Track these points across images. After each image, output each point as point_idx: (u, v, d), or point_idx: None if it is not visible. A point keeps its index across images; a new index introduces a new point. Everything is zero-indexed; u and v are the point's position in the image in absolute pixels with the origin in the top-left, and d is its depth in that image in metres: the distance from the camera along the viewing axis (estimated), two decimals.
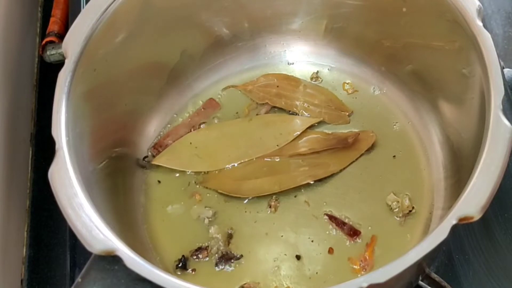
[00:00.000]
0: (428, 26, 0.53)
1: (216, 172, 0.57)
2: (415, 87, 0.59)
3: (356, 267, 0.52)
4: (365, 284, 0.36)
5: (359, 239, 0.53)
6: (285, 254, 0.53)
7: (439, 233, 0.38)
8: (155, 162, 0.58)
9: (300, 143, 0.58)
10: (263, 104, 0.61)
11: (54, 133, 0.44)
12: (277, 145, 0.58)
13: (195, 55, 0.61)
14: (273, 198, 0.55)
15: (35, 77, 0.70)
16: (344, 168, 0.57)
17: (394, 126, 0.59)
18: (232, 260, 0.52)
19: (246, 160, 0.57)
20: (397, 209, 0.54)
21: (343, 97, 0.61)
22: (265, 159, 0.58)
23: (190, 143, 0.59)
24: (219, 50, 0.62)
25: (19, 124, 0.64)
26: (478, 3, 0.48)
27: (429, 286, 0.47)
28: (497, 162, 0.40)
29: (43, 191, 0.61)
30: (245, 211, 0.55)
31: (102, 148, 0.52)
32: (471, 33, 0.47)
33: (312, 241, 0.53)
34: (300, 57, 0.64)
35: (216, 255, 0.53)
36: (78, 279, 0.40)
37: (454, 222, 0.38)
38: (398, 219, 0.54)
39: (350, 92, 0.62)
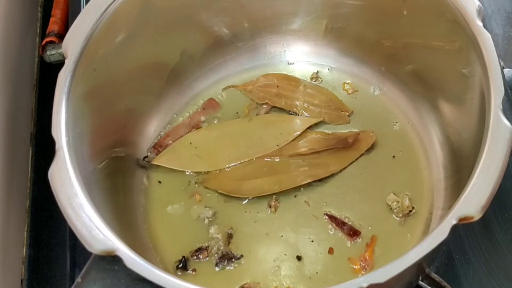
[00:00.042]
0: (428, 26, 0.53)
1: (216, 172, 0.57)
2: (415, 87, 0.59)
3: (356, 267, 0.52)
4: (365, 284, 0.36)
5: (359, 239, 0.53)
6: (285, 254, 0.53)
7: (439, 233, 0.38)
8: (155, 162, 0.58)
9: (300, 143, 0.58)
10: (263, 104, 0.61)
11: (54, 133, 0.44)
12: (277, 145, 0.58)
13: (195, 55, 0.61)
14: (273, 198, 0.55)
15: (35, 77, 0.70)
16: (344, 168, 0.57)
17: (394, 126, 0.59)
18: (232, 260, 0.52)
19: (246, 160, 0.57)
20: (397, 209, 0.54)
21: (343, 97, 0.61)
22: (265, 159, 0.58)
23: (190, 143, 0.59)
24: (219, 50, 0.62)
25: (19, 124, 0.64)
26: (478, 3, 0.48)
27: (429, 286, 0.47)
28: (497, 162, 0.40)
29: (43, 191, 0.61)
30: (245, 211, 0.55)
31: (102, 148, 0.52)
32: (471, 33, 0.47)
33: (312, 241, 0.53)
34: (300, 57, 0.64)
35: (216, 255, 0.53)
36: (78, 279, 0.40)
37: (454, 222, 0.38)
38: (398, 219, 0.54)
39: (350, 92, 0.62)
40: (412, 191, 0.55)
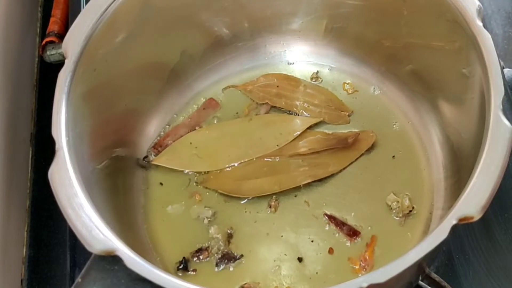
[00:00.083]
0: (428, 26, 0.53)
1: (216, 172, 0.57)
2: (415, 87, 0.59)
3: (356, 267, 0.52)
4: (365, 284, 0.36)
5: (358, 239, 0.53)
6: (285, 254, 0.53)
7: (439, 233, 0.38)
8: (155, 162, 0.58)
9: (300, 143, 0.58)
10: (263, 104, 0.61)
11: (54, 133, 0.44)
12: (277, 145, 0.58)
13: (195, 55, 0.61)
14: (273, 198, 0.55)
15: (35, 77, 0.70)
16: (344, 168, 0.57)
17: (394, 126, 0.59)
18: (233, 260, 0.52)
19: (246, 160, 0.57)
20: (397, 209, 0.54)
21: (343, 97, 0.61)
22: (265, 159, 0.58)
23: (190, 143, 0.59)
24: (219, 50, 0.62)
25: (19, 124, 0.64)
26: (478, 3, 0.48)
27: (429, 286, 0.47)
28: (497, 162, 0.40)
29: (43, 191, 0.61)
30: (245, 211, 0.55)
31: (102, 148, 0.52)
32: (471, 33, 0.47)
33: (312, 241, 0.53)
34: (300, 57, 0.64)
35: (216, 255, 0.53)
36: (78, 279, 0.40)
37: (454, 222, 0.38)
38: (398, 219, 0.54)
39: (350, 92, 0.62)
40: (412, 191, 0.55)
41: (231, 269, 0.52)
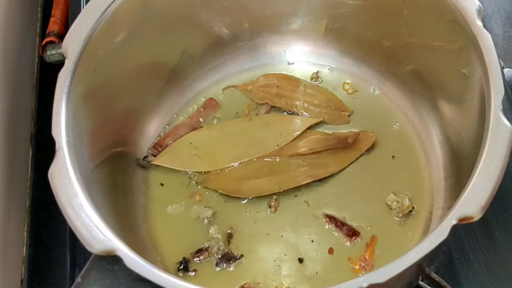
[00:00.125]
0: (428, 26, 0.53)
1: (216, 172, 0.57)
2: (415, 87, 0.59)
3: (356, 267, 0.52)
4: (365, 284, 0.36)
5: (358, 239, 0.53)
6: (285, 254, 0.53)
7: (439, 233, 0.38)
8: (155, 162, 0.58)
9: (300, 143, 0.58)
10: (263, 104, 0.61)
11: (54, 133, 0.44)
12: (277, 145, 0.58)
13: (195, 55, 0.61)
14: (273, 198, 0.55)
15: (35, 77, 0.70)
16: (344, 168, 0.57)
17: (394, 126, 0.59)
18: (233, 260, 0.52)
19: (246, 160, 0.57)
20: (397, 209, 0.54)
21: (343, 97, 0.61)
22: (265, 159, 0.58)
23: (190, 143, 0.59)
24: (219, 50, 0.62)
25: (19, 124, 0.64)
26: (478, 3, 0.48)
27: (429, 286, 0.47)
28: (497, 162, 0.40)
29: (43, 191, 0.61)
30: (245, 211, 0.55)
31: (102, 148, 0.52)
32: (471, 33, 0.47)
33: (312, 241, 0.53)
34: (300, 57, 0.64)
35: (216, 255, 0.53)
36: (78, 279, 0.40)
37: (454, 222, 0.38)
38: (398, 219, 0.54)
39: (350, 92, 0.62)
40: (412, 191, 0.55)
41: (231, 269, 0.52)
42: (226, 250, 0.53)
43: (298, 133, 0.59)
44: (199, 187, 0.57)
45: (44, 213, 0.60)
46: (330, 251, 0.53)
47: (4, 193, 0.57)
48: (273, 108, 0.61)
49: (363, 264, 0.52)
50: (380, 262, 0.52)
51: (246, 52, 0.63)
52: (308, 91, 0.61)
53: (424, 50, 0.56)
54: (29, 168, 0.63)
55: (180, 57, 0.60)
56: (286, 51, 0.64)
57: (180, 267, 0.52)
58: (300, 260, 0.52)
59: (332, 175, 0.56)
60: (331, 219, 0.54)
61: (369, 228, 0.54)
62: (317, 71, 0.63)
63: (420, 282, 0.47)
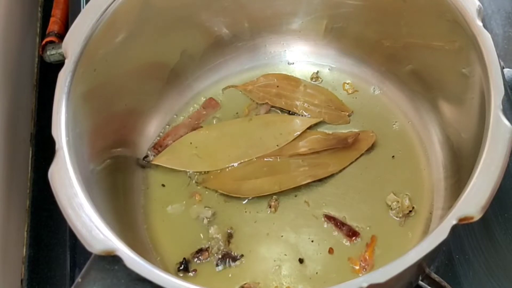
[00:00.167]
0: (428, 26, 0.53)
1: (216, 172, 0.57)
2: (415, 87, 0.59)
3: (356, 267, 0.52)
4: (365, 284, 0.36)
5: (358, 239, 0.53)
6: (285, 254, 0.53)
7: (439, 233, 0.38)
8: (155, 162, 0.58)
9: (300, 143, 0.58)
10: (263, 104, 0.61)
11: (54, 133, 0.44)
12: (277, 145, 0.58)
13: (195, 55, 0.61)
14: (273, 198, 0.55)
15: (35, 77, 0.70)
16: (344, 168, 0.57)
17: (394, 126, 0.59)
18: (233, 260, 0.52)
19: (246, 160, 0.57)
20: (397, 209, 0.54)
21: (343, 97, 0.61)
22: (265, 159, 0.58)
23: (190, 143, 0.59)
24: (219, 50, 0.62)
25: (19, 124, 0.64)
26: (478, 3, 0.48)
27: (429, 286, 0.47)
28: (497, 162, 0.40)
29: (43, 191, 0.61)
30: (245, 211, 0.55)
31: (102, 148, 0.52)
32: (471, 33, 0.47)
33: (312, 241, 0.53)
34: (300, 57, 0.64)
35: (216, 255, 0.53)
36: (78, 279, 0.40)
37: (454, 222, 0.38)
38: (398, 219, 0.54)
39: (350, 92, 0.62)
40: (412, 191, 0.55)
41: (231, 269, 0.52)
42: (226, 250, 0.53)
43: (298, 133, 0.59)
44: (199, 187, 0.57)
45: (44, 213, 0.60)
46: (330, 251, 0.53)
47: (4, 193, 0.57)
48: (273, 108, 0.61)
49: (363, 264, 0.52)
50: (380, 262, 0.52)
51: (246, 52, 0.63)
52: (308, 91, 0.61)
53: (424, 50, 0.56)
54: (29, 168, 0.63)
55: (180, 57, 0.60)
56: (286, 51, 0.64)
57: (180, 268, 0.52)
58: (300, 260, 0.52)
59: (332, 175, 0.56)
60: (331, 219, 0.54)
61: (369, 228, 0.53)
62: (317, 71, 0.63)
63: (420, 282, 0.47)
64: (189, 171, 0.57)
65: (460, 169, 0.51)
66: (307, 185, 0.56)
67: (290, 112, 0.61)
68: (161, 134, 0.60)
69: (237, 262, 0.52)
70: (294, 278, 0.52)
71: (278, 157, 0.57)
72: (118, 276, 0.39)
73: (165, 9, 0.55)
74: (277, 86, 0.62)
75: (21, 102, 0.65)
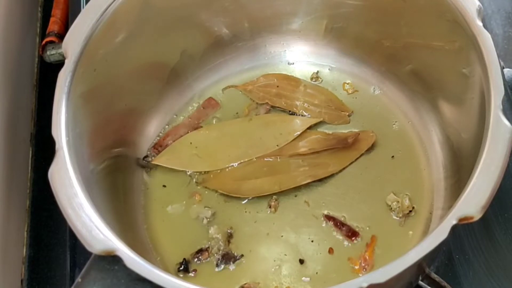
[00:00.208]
0: (428, 26, 0.53)
1: (216, 172, 0.57)
2: (415, 87, 0.59)
3: (356, 267, 0.52)
4: (365, 284, 0.36)
5: (358, 239, 0.53)
6: (285, 254, 0.53)
7: (439, 233, 0.38)
8: (155, 162, 0.58)
9: (300, 143, 0.58)
10: (263, 104, 0.61)
11: (54, 133, 0.44)
12: (277, 145, 0.58)
13: (195, 55, 0.61)
14: (273, 198, 0.55)
15: (35, 77, 0.70)
16: (344, 168, 0.57)
17: (394, 126, 0.59)
18: (233, 260, 0.52)
19: (246, 160, 0.57)
20: (397, 209, 0.54)
21: (343, 97, 0.61)
22: (265, 159, 0.58)
23: (190, 143, 0.59)
24: (219, 50, 0.62)
25: (19, 124, 0.64)
26: (478, 3, 0.48)
27: (429, 286, 0.47)
28: (497, 162, 0.40)
29: (43, 191, 0.61)
30: (245, 211, 0.55)
31: (102, 148, 0.52)
32: (471, 33, 0.47)
33: (312, 241, 0.53)
34: (300, 57, 0.64)
35: (216, 255, 0.53)
36: (78, 279, 0.40)
37: (454, 222, 0.38)
38: (398, 219, 0.54)
39: (350, 92, 0.62)
40: (412, 191, 0.55)
41: (231, 269, 0.52)
42: (226, 250, 0.53)
43: (298, 133, 0.59)
44: (199, 187, 0.57)
45: (44, 213, 0.60)
46: (330, 251, 0.53)
47: (4, 193, 0.57)
48: (273, 108, 0.61)
49: (363, 264, 0.52)
50: (380, 262, 0.52)
51: (246, 52, 0.63)
52: (308, 91, 0.61)
53: (424, 50, 0.56)
54: (29, 168, 0.63)
55: (180, 57, 0.60)
56: (286, 51, 0.64)
57: (180, 268, 0.52)
58: (301, 261, 0.52)
59: (332, 175, 0.56)
60: (331, 219, 0.54)
61: (368, 228, 0.53)
62: (317, 71, 0.63)
63: (420, 282, 0.47)
64: (189, 171, 0.57)
65: (460, 169, 0.51)
66: (307, 185, 0.56)
67: (290, 112, 0.61)
68: (161, 134, 0.60)
69: (237, 262, 0.52)
70: (294, 278, 0.52)
71: (278, 157, 0.57)
72: (118, 276, 0.39)
73: (165, 9, 0.55)
74: (277, 86, 0.62)
75: (21, 102, 0.65)
